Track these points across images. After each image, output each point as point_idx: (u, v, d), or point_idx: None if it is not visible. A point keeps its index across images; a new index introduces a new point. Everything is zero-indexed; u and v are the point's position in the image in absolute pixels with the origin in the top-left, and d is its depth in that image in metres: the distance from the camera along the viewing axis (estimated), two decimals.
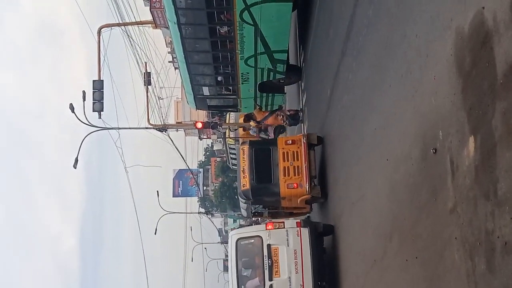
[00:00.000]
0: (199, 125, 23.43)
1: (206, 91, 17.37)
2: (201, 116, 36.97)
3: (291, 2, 13.66)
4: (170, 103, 31.93)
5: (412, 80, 6.00)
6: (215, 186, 75.27)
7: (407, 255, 6.30)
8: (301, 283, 11.41)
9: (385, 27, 7.22)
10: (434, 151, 5.29)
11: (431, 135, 5.38)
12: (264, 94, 18.01)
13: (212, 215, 55.05)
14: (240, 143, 37.85)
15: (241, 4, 13.34)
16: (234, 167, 49.97)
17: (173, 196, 56.70)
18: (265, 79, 16.75)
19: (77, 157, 23.56)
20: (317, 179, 13.61)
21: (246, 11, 13.52)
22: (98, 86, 22.71)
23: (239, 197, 14.35)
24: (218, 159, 71.02)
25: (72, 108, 21.93)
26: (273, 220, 13.06)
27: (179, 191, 57.74)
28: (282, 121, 18.31)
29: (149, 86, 25.31)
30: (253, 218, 15.28)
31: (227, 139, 42.31)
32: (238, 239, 12.22)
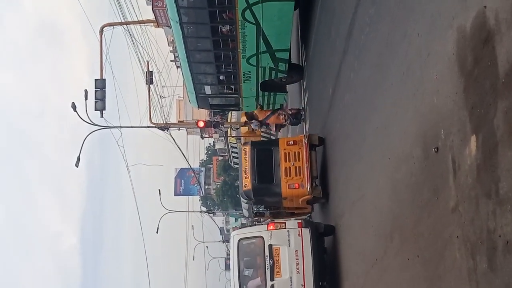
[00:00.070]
0: (201, 124, 23.46)
1: (208, 90, 17.38)
2: (203, 115, 36.95)
3: (293, 1, 13.66)
4: (172, 102, 31.95)
5: (414, 79, 5.99)
6: (217, 185, 75.31)
7: (408, 254, 6.30)
8: (302, 283, 11.49)
9: (387, 26, 7.22)
10: (435, 150, 5.28)
11: (433, 134, 5.38)
12: (266, 93, 18.02)
13: (214, 214, 55.09)
14: (242, 141, 37.94)
15: (243, 3, 13.35)
16: (236, 166, 49.97)
17: (174, 195, 56.65)
18: (267, 78, 16.76)
19: (79, 156, 23.57)
20: (319, 180, 13.65)
21: (248, 10, 13.53)
22: (100, 85, 22.73)
23: (241, 197, 14.40)
24: (220, 158, 71.03)
25: (74, 107, 21.94)
26: (275, 221, 13.10)
27: (181, 190, 57.70)
28: (284, 120, 18.30)
29: (151, 85, 25.31)
30: (255, 218, 15.32)
31: (229, 138, 42.34)
32: (240, 239, 12.33)
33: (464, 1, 4.63)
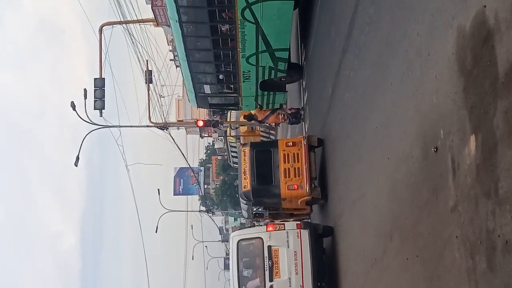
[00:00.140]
0: (200, 123, 23.45)
1: (207, 89, 17.38)
2: (202, 114, 36.94)
3: (293, 0, 13.66)
4: (171, 101, 31.91)
5: (414, 78, 5.99)
6: (216, 184, 75.32)
7: (408, 254, 6.29)
8: (301, 284, 11.59)
9: (387, 25, 7.21)
10: (435, 149, 5.28)
11: (432, 133, 5.37)
12: (266, 93, 18.02)
13: (213, 213, 55.07)
14: (241, 141, 37.94)
15: (242, 2, 13.34)
16: (235, 165, 49.98)
17: (174, 195, 56.70)
18: (266, 77, 16.76)
19: (78, 155, 23.55)
20: (317, 181, 13.71)
21: (247, 9, 13.53)
22: (99, 84, 22.72)
23: (240, 198, 14.46)
24: (219, 157, 71.01)
25: (73, 106, 21.93)
26: (274, 222, 13.17)
27: (180, 190, 57.75)
28: (283, 120, 18.32)
29: (150, 84, 25.30)
30: (254, 219, 15.39)
31: (228, 137, 42.33)
32: (239, 240, 12.42)
33: (464, 1, 4.63)
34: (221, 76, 16.75)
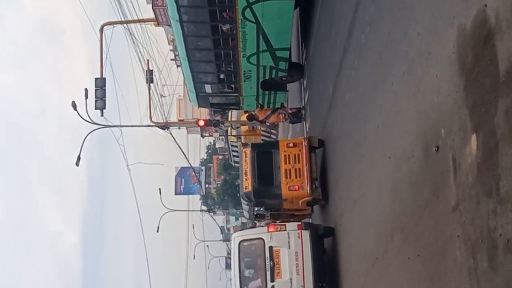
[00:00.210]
0: (201, 123, 23.50)
1: (208, 89, 17.37)
2: (203, 114, 36.94)
3: None
4: (172, 101, 31.94)
5: (414, 78, 5.99)
6: (217, 184, 75.35)
7: (409, 254, 6.30)
8: (302, 284, 11.69)
9: (387, 24, 7.21)
10: (436, 149, 5.28)
11: (433, 133, 5.37)
12: (266, 92, 18.01)
13: (214, 213, 55.08)
14: (242, 140, 37.93)
15: (243, 2, 13.34)
16: (236, 164, 49.97)
17: (175, 194, 56.65)
18: (267, 77, 16.75)
19: (79, 155, 23.58)
20: (318, 182, 13.75)
21: (248, 8, 13.52)
22: (100, 84, 22.74)
23: (242, 199, 14.51)
24: (220, 157, 71.03)
25: (74, 106, 21.95)
26: (276, 222, 13.24)
27: (181, 189, 57.69)
28: (284, 120, 18.31)
29: (151, 84, 25.31)
30: (255, 220, 15.48)
31: (229, 136, 42.34)
32: (240, 241, 12.52)
33: (465, 0, 4.63)
34: (222, 76, 16.74)
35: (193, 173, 53.13)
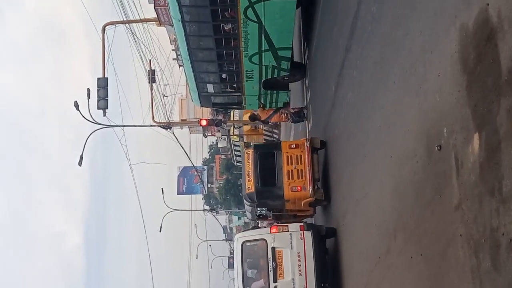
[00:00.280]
0: (204, 122, 23.50)
1: (210, 88, 17.39)
2: (206, 113, 36.97)
3: None
4: (175, 100, 31.92)
5: (416, 77, 5.98)
6: (220, 183, 75.42)
7: (412, 253, 6.29)
8: (305, 284, 11.76)
9: (389, 24, 7.20)
10: (438, 148, 5.27)
11: (436, 132, 5.37)
12: (268, 92, 18.02)
13: (217, 212, 55.13)
14: (244, 139, 37.94)
15: (245, 2, 13.34)
16: (238, 164, 50.01)
17: (177, 194, 56.75)
18: (269, 77, 16.75)
19: (82, 154, 23.61)
20: (321, 182, 13.79)
21: (250, 8, 13.52)
22: (102, 83, 22.75)
23: (244, 200, 14.58)
24: (223, 156, 71.11)
25: (76, 106, 21.97)
26: (278, 223, 13.31)
27: (184, 189, 57.78)
28: (287, 119, 18.31)
29: (153, 84, 25.31)
30: (257, 221, 15.57)
31: (231, 136, 42.35)
32: (243, 242, 12.59)
33: None
34: (224, 75, 16.75)
35: (196, 172, 53.19)
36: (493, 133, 4.11)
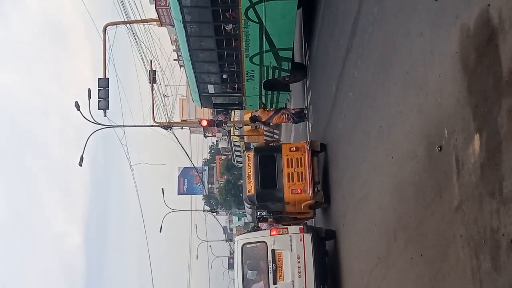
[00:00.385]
0: (204, 123, 23.49)
1: (211, 89, 17.38)
2: (206, 114, 36.99)
3: None
4: (175, 101, 31.95)
5: (417, 77, 5.98)
6: (220, 184, 75.47)
7: (412, 254, 6.29)
8: (304, 286, 11.86)
9: (390, 24, 7.21)
10: (439, 149, 5.27)
11: (436, 133, 5.37)
12: (269, 92, 18.01)
13: (217, 212, 55.15)
14: (245, 140, 37.95)
15: (246, 2, 13.34)
16: (239, 164, 50.04)
17: (178, 194, 56.78)
18: (270, 77, 16.75)
19: (82, 155, 23.63)
20: (320, 185, 13.82)
21: (251, 9, 13.52)
22: (103, 84, 22.76)
23: (245, 202, 14.64)
24: (223, 157, 71.16)
25: (77, 106, 21.98)
26: (278, 225, 13.38)
27: (184, 189, 57.82)
28: (287, 120, 18.29)
29: (154, 84, 25.32)
30: (258, 223, 15.66)
31: (232, 136, 42.37)
32: (243, 244, 12.69)
33: (468, 0, 4.62)
34: (225, 76, 16.75)
35: (196, 173, 53.20)
36: (494, 134, 4.11)
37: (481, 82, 4.35)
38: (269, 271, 11.97)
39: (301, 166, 13.44)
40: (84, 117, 22.65)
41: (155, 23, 26.78)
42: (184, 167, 55.82)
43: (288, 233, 12.29)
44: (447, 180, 5.09)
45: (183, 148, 27.53)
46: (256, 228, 14.84)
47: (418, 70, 5.95)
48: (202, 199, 72.78)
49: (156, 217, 40.66)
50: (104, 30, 22.91)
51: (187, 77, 17.77)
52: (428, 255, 5.72)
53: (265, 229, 14.01)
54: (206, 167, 69.08)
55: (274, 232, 12.36)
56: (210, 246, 57.47)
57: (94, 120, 23.29)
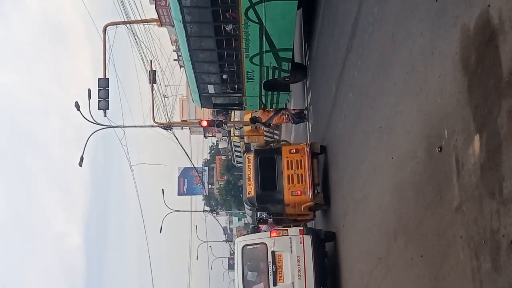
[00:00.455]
0: (204, 123, 23.48)
1: (211, 89, 17.38)
2: (206, 114, 36.98)
3: (296, 0, 13.65)
4: (175, 101, 31.95)
5: (417, 78, 5.98)
6: (220, 184, 75.44)
7: (412, 254, 6.29)
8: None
9: (390, 24, 7.20)
10: (439, 149, 5.27)
11: (436, 133, 5.37)
12: (269, 92, 18.01)
13: (217, 213, 55.15)
14: (245, 140, 37.95)
15: (246, 2, 13.34)
16: (239, 165, 50.02)
17: (178, 195, 56.77)
18: (270, 77, 16.74)
19: (82, 155, 23.64)
20: (320, 187, 13.85)
21: (251, 9, 13.52)
22: (103, 84, 22.77)
23: (245, 204, 14.66)
24: (223, 157, 71.13)
25: (77, 106, 21.98)
26: (277, 228, 13.44)
27: (184, 190, 57.83)
28: (287, 120, 18.29)
29: (154, 84, 25.33)
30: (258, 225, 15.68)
31: (232, 137, 42.37)
32: (244, 246, 12.76)
33: (468, 0, 4.62)
34: (225, 76, 16.74)
35: (196, 173, 53.20)
36: (494, 134, 4.11)
37: (481, 82, 4.35)
38: (269, 273, 12.01)
39: (301, 168, 13.48)
40: (84, 117, 22.66)
41: (155, 23, 26.79)
42: (184, 168, 55.83)
43: (288, 235, 12.33)
44: (447, 181, 5.08)
45: (183, 149, 27.55)
46: (256, 229, 14.85)
47: (418, 70, 5.95)
48: (202, 200, 72.76)
49: (156, 218, 40.68)
50: (104, 30, 22.91)
51: (187, 78, 17.77)
52: (428, 256, 5.71)
53: (265, 231, 14.03)
54: (206, 168, 69.09)
55: (274, 234, 12.40)
56: (210, 246, 57.48)
57: (94, 120, 23.30)
